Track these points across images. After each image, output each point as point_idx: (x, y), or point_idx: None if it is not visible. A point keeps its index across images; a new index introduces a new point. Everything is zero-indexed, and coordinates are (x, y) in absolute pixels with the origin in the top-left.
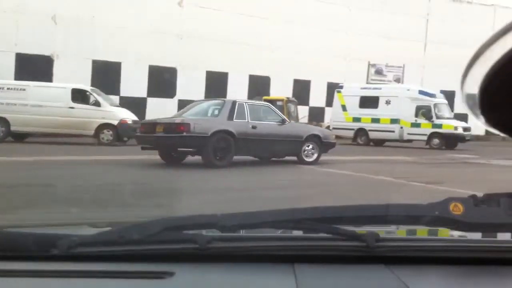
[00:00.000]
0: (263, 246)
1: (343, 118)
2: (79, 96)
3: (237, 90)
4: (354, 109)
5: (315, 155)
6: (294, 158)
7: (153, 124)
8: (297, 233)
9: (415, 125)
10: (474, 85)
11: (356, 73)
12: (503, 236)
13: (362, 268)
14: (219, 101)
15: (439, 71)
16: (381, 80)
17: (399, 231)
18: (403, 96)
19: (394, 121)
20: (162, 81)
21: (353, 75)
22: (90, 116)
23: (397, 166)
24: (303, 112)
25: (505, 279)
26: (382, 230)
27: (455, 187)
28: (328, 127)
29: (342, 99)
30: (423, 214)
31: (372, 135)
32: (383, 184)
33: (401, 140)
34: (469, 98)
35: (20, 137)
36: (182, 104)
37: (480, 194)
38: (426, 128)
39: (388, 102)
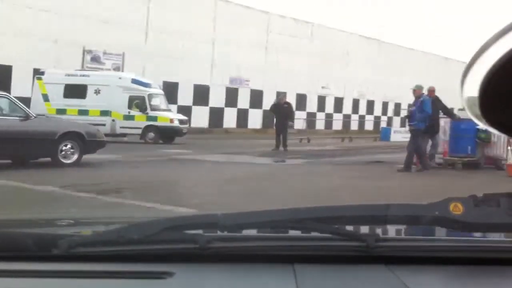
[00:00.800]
0: (263, 246)
1: (45, 109)
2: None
3: None
4: (58, 100)
5: (75, 156)
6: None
7: None
8: (297, 233)
9: (129, 117)
10: (474, 85)
11: (70, 60)
12: (503, 236)
13: (362, 268)
14: None
15: (162, 61)
16: (98, 69)
17: (399, 231)
18: (114, 85)
19: (104, 113)
20: None
21: (66, 61)
22: None
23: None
24: None
25: (505, 279)
26: (382, 230)
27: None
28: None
29: (43, 87)
30: (423, 214)
31: None
32: None
33: (113, 134)
34: (468, 98)
35: None
36: None
37: (480, 194)
38: (141, 121)
39: (97, 92)
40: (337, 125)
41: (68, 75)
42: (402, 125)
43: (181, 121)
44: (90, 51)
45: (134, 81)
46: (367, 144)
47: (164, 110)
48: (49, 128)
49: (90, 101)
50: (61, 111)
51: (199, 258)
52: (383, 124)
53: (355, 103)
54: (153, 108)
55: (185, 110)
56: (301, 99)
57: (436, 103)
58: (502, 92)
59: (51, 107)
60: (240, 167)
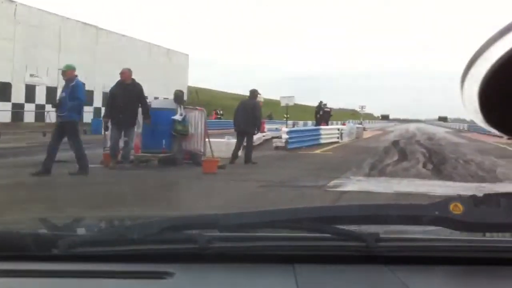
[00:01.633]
0: (263, 246)
1: None
2: None
3: None
4: None
5: None
6: None
7: None
8: (297, 233)
9: None
10: (473, 85)
11: None
12: (503, 236)
13: (362, 268)
14: None
15: None
16: None
17: (399, 231)
18: None
19: None
20: None
21: None
22: None
23: None
24: None
25: (505, 279)
26: (382, 230)
27: None
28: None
29: None
30: (423, 214)
31: None
32: None
33: None
34: (469, 98)
35: None
36: None
37: (480, 194)
38: None
39: None
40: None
41: None
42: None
43: None
44: None
45: None
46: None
47: None
48: None
49: None
50: None
51: (199, 258)
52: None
53: None
54: None
55: None
56: (5, 88)
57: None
58: (502, 92)
59: None
60: None
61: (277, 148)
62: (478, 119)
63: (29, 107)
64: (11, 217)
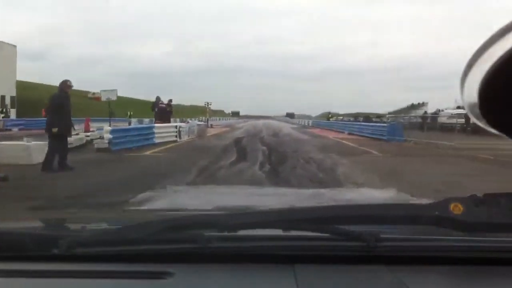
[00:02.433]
0: (263, 246)
1: None
2: None
3: None
4: None
5: None
6: None
7: None
8: (297, 233)
9: None
10: (474, 85)
11: None
12: (503, 236)
13: (362, 268)
14: None
15: None
16: None
17: (399, 231)
18: None
19: None
20: None
21: None
22: None
23: None
24: None
25: (505, 279)
26: (382, 230)
27: None
28: None
29: None
30: (423, 214)
31: None
32: None
33: None
34: (469, 98)
35: None
36: None
37: (480, 194)
38: None
39: None
40: None
41: None
42: None
43: None
44: None
45: None
46: None
47: None
48: None
49: None
50: None
51: (199, 258)
52: None
53: None
54: None
55: None
56: None
57: None
58: (502, 93)
59: None
60: None
61: (99, 150)
62: (478, 119)
63: None
64: (11, 217)
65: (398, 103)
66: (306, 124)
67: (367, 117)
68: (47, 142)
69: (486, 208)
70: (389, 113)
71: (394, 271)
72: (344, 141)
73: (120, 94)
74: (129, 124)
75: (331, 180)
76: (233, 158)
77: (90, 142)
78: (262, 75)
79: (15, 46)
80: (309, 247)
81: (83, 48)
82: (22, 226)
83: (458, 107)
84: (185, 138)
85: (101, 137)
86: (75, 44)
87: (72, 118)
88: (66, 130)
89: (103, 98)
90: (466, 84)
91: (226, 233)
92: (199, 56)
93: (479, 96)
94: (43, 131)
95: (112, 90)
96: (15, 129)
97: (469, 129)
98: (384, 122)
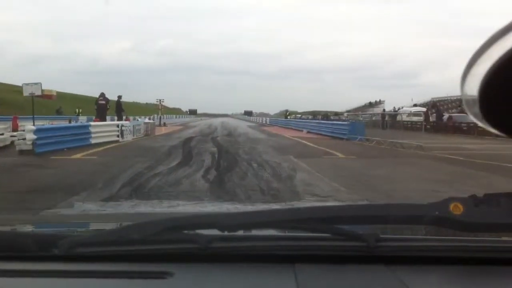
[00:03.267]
0: (263, 246)
1: None
2: None
3: None
4: None
5: None
6: None
7: None
8: (297, 233)
9: None
10: (474, 85)
11: None
12: (503, 236)
13: (362, 268)
14: None
15: None
16: None
17: (399, 231)
18: None
19: None
20: None
21: None
22: None
23: None
24: None
25: (505, 279)
26: (382, 230)
27: None
28: None
29: None
30: (423, 214)
31: None
32: None
33: None
34: (469, 98)
35: None
36: None
37: (480, 194)
38: None
39: None
40: None
41: None
42: None
43: None
44: None
45: None
46: None
47: None
48: None
49: None
50: None
51: (199, 258)
52: None
53: None
54: None
55: None
56: None
57: None
58: (502, 93)
59: None
60: None
61: (21, 152)
62: (477, 118)
63: None
64: (11, 217)
65: (355, 101)
66: (264, 122)
67: (326, 115)
68: None
69: (486, 208)
70: (347, 111)
71: (394, 271)
72: (303, 141)
73: (76, 92)
74: (69, 122)
75: (288, 192)
76: (176, 162)
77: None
78: (221, 73)
79: None
80: (309, 247)
81: (38, 45)
82: (22, 226)
83: (415, 105)
84: (128, 137)
85: (24, 138)
86: (30, 41)
87: None
88: None
89: (25, 93)
90: (466, 84)
91: (226, 233)
92: (157, 54)
93: (479, 96)
94: None
95: (35, 84)
96: None
97: (428, 127)
98: (344, 120)
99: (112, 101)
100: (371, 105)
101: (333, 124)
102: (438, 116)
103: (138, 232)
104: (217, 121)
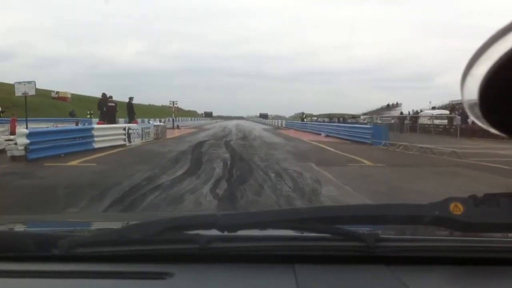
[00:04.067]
0: (263, 246)
1: None
2: None
3: None
4: None
5: None
6: None
7: None
8: (297, 233)
9: None
10: (474, 85)
11: None
12: (503, 236)
13: (362, 268)
14: None
15: None
16: None
17: (399, 231)
18: None
19: None
20: None
21: None
22: None
23: None
24: None
25: (505, 279)
26: (382, 230)
27: None
28: None
29: None
30: (423, 214)
31: None
32: None
33: None
34: (469, 98)
35: None
36: None
37: (480, 194)
38: None
39: None
40: None
41: None
42: None
43: None
44: None
45: None
46: None
47: None
48: None
49: None
50: None
51: (199, 258)
52: None
53: None
54: None
55: None
56: None
57: None
58: (502, 93)
59: None
60: None
61: (13, 158)
62: (478, 118)
63: None
64: (11, 217)
65: (370, 103)
66: (280, 125)
67: (343, 118)
68: None
69: (486, 208)
70: (363, 114)
71: (394, 271)
72: (322, 145)
73: (91, 94)
74: (77, 124)
75: None
76: (182, 171)
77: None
78: (236, 75)
79: None
80: (309, 247)
81: (51, 48)
82: (22, 226)
83: (433, 108)
84: (136, 141)
85: (15, 142)
86: (44, 44)
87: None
88: None
89: (18, 93)
90: (466, 84)
91: (226, 233)
92: (171, 56)
93: (479, 96)
94: None
95: (29, 83)
96: None
97: (452, 130)
98: (362, 123)
99: (122, 102)
100: (388, 107)
101: (353, 127)
102: (463, 119)
103: (138, 232)
104: (232, 124)
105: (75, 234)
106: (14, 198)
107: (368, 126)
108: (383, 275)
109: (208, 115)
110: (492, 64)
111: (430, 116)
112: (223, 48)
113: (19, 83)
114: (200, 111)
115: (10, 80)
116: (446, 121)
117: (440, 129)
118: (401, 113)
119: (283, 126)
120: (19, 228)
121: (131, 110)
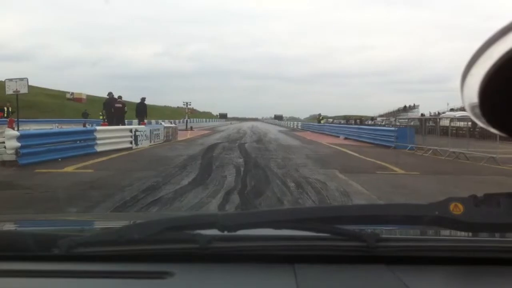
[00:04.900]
0: (263, 246)
1: None
2: None
3: None
4: None
5: None
6: None
7: None
8: (297, 233)
9: None
10: (474, 85)
11: None
12: (503, 236)
13: (362, 268)
14: None
15: None
16: None
17: (399, 231)
18: None
19: None
20: None
21: None
22: None
23: None
24: None
25: (505, 279)
26: (382, 230)
27: None
28: None
29: None
30: (423, 214)
31: None
32: None
33: None
34: (469, 98)
35: None
36: None
37: (480, 194)
38: None
39: None
40: None
41: None
42: None
43: None
44: None
45: None
46: None
47: None
48: None
49: None
50: None
51: (199, 258)
52: None
53: None
54: None
55: None
56: None
57: None
58: (502, 93)
59: None
60: None
61: (3, 163)
62: (477, 118)
63: None
64: (11, 216)
65: (385, 105)
66: (295, 126)
67: (360, 120)
68: None
69: (486, 208)
70: (380, 116)
71: (394, 271)
72: (343, 149)
73: (105, 95)
74: (84, 125)
75: None
76: (189, 179)
77: None
78: (251, 77)
79: None
80: (309, 247)
81: (69, 49)
82: (22, 225)
83: (452, 110)
84: (144, 144)
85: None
86: (61, 45)
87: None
88: None
89: (8, 91)
90: (466, 84)
91: (226, 233)
92: (188, 58)
93: (480, 96)
94: None
95: (21, 80)
96: None
97: (476, 133)
98: (384, 125)
99: (132, 103)
100: (405, 109)
101: (375, 129)
102: None
103: (138, 232)
104: (246, 125)
105: (75, 234)
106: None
107: (392, 128)
108: (383, 275)
109: (223, 116)
110: (492, 64)
111: (452, 118)
112: (239, 50)
113: (10, 80)
114: (215, 112)
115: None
116: (468, 123)
117: (463, 132)
118: (422, 114)
119: (299, 128)
120: (19, 227)
121: (143, 111)
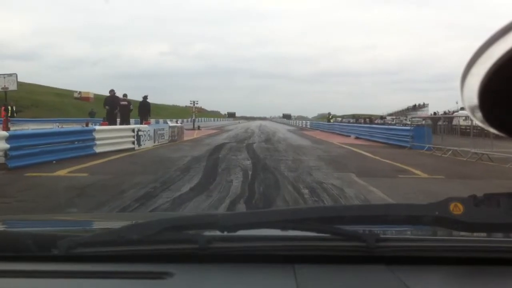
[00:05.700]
0: (263, 246)
1: None
2: None
3: None
4: None
5: None
6: None
7: None
8: (297, 233)
9: None
10: (474, 85)
11: None
12: (503, 236)
13: (362, 268)
14: None
15: None
16: None
17: (399, 231)
18: None
19: None
20: None
21: None
22: None
23: None
24: None
25: (505, 279)
26: (382, 230)
27: None
28: None
29: None
30: (423, 214)
31: None
32: None
33: None
34: (469, 98)
35: None
36: None
37: (480, 194)
38: None
39: None
40: None
41: None
42: None
43: None
44: None
45: None
46: None
47: None
48: None
49: None
50: None
51: (199, 258)
52: None
53: None
54: None
55: None
56: None
57: None
58: (502, 92)
59: None
60: None
61: None
62: (477, 118)
63: None
64: (11, 217)
65: (393, 104)
66: (304, 125)
67: (370, 119)
68: None
69: (486, 208)
70: (389, 114)
71: (394, 271)
72: (357, 150)
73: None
74: (86, 125)
75: None
76: (191, 185)
77: None
78: (258, 76)
79: None
80: (309, 247)
81: (76, 49)
82: (22, 226)
83: (462, 109)
84: (147, 144)
85: None
86: (68, 45)
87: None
88: None
89: None
90: (466, 84)
91: (226, 233)
92: (196, 57)
93: (479, 96)
94: None
95: (9, 75)
96: None
97: (491, 132)
98: (394, 124)
99: (137, 101)
100: (414, 108)
101: (389, 129)
102: None
103: (138, 232)
104: (254, 124)
105: (75, 234)
106: None
107: (407, 127)
108: (383, 275)
109: (231, 115)
110: (492, 63)
111: (466, 117)
112: (247, 49)
113: None
114: (224, 111)
115: (33, 81)
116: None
117: (477, 131)
118: (435, 113)
119: (307, 127)
120: (19, 228)
121: (145, 110)
